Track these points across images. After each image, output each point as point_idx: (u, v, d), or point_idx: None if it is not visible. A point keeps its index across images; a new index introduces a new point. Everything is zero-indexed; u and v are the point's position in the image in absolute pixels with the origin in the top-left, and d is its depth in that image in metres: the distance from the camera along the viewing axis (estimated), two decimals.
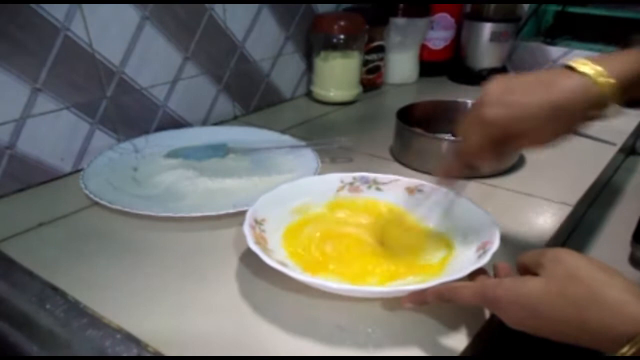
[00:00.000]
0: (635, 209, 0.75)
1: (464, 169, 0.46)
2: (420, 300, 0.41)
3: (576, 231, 0.76)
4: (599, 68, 0.38)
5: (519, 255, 0.40)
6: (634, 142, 1.01)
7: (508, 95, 0.40)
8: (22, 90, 0.62)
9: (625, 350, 0.29)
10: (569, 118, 0.39)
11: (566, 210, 0.61)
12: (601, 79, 0.37)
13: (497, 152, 0.43)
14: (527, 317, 0.35)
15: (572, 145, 0.79)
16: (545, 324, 0.34)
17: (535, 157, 0.74)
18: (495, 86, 0.41)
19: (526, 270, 0.37)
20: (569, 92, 0.38)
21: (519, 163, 0.72)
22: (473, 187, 0.66)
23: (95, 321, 0.43)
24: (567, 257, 0.34)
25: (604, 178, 0.84)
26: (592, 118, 0.39)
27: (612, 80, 0.37)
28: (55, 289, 0.47)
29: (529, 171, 0.71)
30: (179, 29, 0.77)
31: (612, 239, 0.76)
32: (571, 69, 0.39)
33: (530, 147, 0.43)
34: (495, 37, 1.06)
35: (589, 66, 0.38)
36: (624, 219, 0.78)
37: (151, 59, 0.75)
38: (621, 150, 0.90)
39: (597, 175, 0.70)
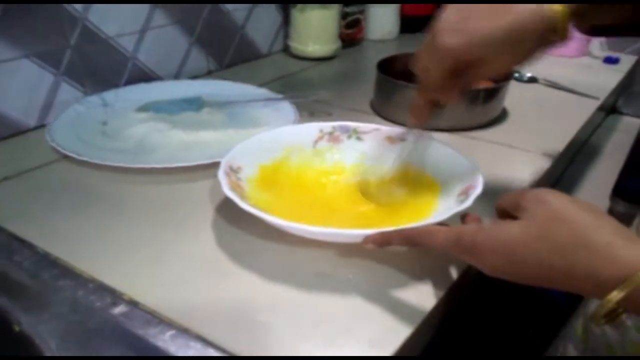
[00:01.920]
0: (615, 165, 0.76)
1: (432, 108, 0.45)
2: (382, 241, 0.39)
3: (557, 186, 0.76)
4: (559, 7, 0.37)
5: (497, 200, 0.38)
6: (615, 100, 1.02)
7: (463, 23, 0.39)
8: None
9: (614, 295, 0.28)
10: (525, 42, 0.38)
11: (548, 161, 0.60)
12: (554, 4, 0.37)
13: (460, 84, 0.42)
14: (508, 263, 0.32)
15: (555, 99, 0.80)
16: (527, 271, 0.32)
17: (517, 110, 0.74)
18: (449, 14, 0.40)
19: (505, 214, 0.35)
20: (522, 16, 0.37)
21: (502, 116, 0.72)
22: (455, 139, 0.65)
23: (67, 272, 0.42)
24: (550, 198, 0.32)
25: (585, 135, 0.85)
26: (549, 43, 0.39)
27: (565, 5, 0.37)
28: (22, 241, 0.45)
29: (511, 124, 0.71)
30: None
31: (591, 193, 0.77)
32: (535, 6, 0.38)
33: (492, 75, 0.44)
34: None
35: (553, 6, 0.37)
36: (603, 174, 0.79)
37: (116, 4, 0.70)
38: (602, 108, 0.91)
39: (579, 127, 0.70)
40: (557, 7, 0.37)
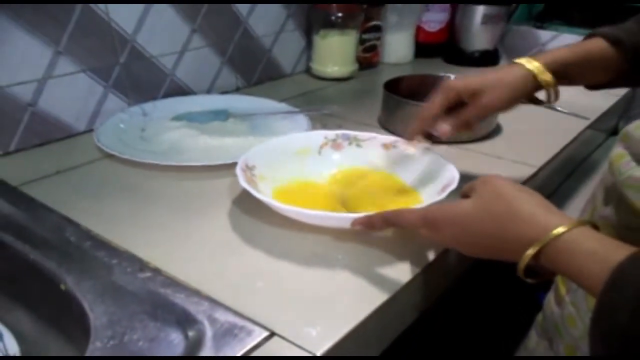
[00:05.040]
0: None
1: (426, 133, 0.55)
2: (368, 223, 0.45)
3: (552, 197, 0.82)
4: (536, 63, 0.51)
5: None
6: (617, 122, 1.06)
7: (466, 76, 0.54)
8: (45, 53, 0.69)
9: (529, 252, 0.34)
10: (513, 90, 0.52)
11: (530, 170, 0.66)
12: (538, 73, 0.51)
13: (458, 116, 0.53)
14: (459, 234, 0.39)
15: (548, 118, 0.85)
16: (474, 240, 0.39)
17: (511, 126, 0.80)
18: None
19: (466, 197, 0.42)
20: (512, 75, 0.52)
21: (495, 131, 0.78)
22: (450, 150, 0.71)
23: (105, 245, 0.50)
24: (494, 180, 0.39)
25: (580, 153, 0.89)
26: (533, 99, 0.55)
27: (548, 74, 0.51)
28: (70, 220, 0.54)
29: (503, 139, 0.77)
30: (187, 2, 0.83)
31: (582, 203, 0.82)
32: (518, 64, 0.52)
33: (487, 109, 0.53)
34: (486, 20, 1.11)
35: (531, 64, 0.51)
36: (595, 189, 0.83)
37: (161, 29, 0.81)
38: (604, 130, 0.95)
39: (565, 143, 0.75)
40: (534, 63, 0.51)
